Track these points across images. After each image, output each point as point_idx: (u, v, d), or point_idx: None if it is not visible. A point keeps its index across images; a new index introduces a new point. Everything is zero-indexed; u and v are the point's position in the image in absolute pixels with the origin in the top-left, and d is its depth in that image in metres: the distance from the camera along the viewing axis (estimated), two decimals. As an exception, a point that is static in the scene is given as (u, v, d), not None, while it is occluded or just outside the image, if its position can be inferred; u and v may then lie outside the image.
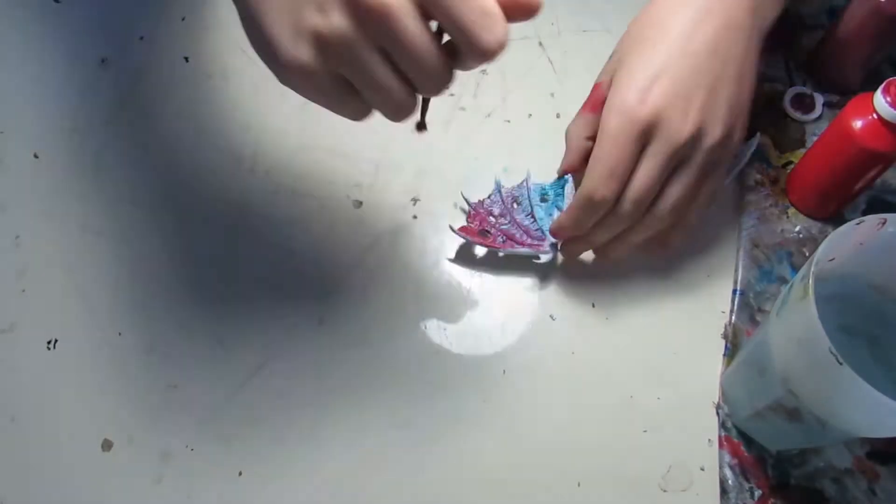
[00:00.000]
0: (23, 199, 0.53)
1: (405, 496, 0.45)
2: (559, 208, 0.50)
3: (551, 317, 0.50)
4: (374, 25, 0.30)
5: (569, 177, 0.50)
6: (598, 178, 0.42)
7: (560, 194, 0.50)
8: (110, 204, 0.53)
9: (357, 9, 0.29)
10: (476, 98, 0.57)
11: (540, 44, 0.60)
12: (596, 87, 0.47)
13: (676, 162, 0.42)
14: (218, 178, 0.51)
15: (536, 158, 0.54)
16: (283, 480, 0.45)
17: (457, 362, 0.48)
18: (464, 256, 0.52)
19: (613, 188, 0.42)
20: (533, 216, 0.50)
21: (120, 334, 0.49)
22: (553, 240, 0.49)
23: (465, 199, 0.51)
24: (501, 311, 0.50)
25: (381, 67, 0.31)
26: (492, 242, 0.49)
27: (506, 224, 0.50)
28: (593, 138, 0.44)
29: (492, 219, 0.50)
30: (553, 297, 0.50)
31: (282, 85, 0.34)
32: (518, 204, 0.51)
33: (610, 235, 0.45)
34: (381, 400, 0.47)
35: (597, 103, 0.45)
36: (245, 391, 0.48)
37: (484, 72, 0.58)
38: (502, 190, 0.51)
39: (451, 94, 0.57)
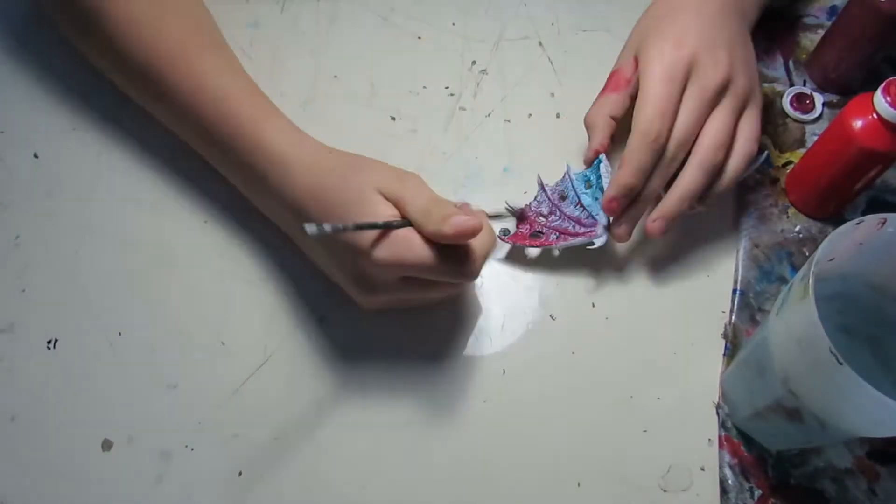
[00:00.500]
0: (23, 199, 0.53)
1: (405, 496, 0.45)
2: (602, 189, 0.50)
3: (551, 317, 0.50)
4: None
5: (602, 156, 0.50)
6: (651, 115, 0.45)
7: (599, 176, 0.50)
8: (110, 204, 0.53)
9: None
10: (476, 98, 0.57)
11: (540, 44, 0.60)
12: (617, 71, 0.50)
13: (712, 104, 0.46)
14: (218, 177, 0.51)
15: (537, 158, 0.54)
16: (283, 480, 0.45)
17: (457, 362, 0.48)
18: (515, 257, 0.52)
19: (666, 123, 0.45)
20: (581, 205, 0.50)
21: (120, 334, 0.49)
22: (605, 221, 0.49)
23: (510, 208, 0.51)
24: (501, 311, 0.50)
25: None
26: (545, 241, 0.50)
27: (556, 220, 0.50)
28: (616, 118, 0.50)
29: (541, 219, 0.51)
30: (553, 297, 0.50)
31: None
32: (564, 198, 0.51)
33: (662, 184, 0.47)
34: (381, 399, 0.47)
35: (619, 84, 0.50)
36: (245, 391, 0.48)
37: (484, 72, 0.58)
38: (547, 189, 0.51)
39: (451, 94, 0.57)
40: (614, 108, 0.50)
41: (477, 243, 0.42)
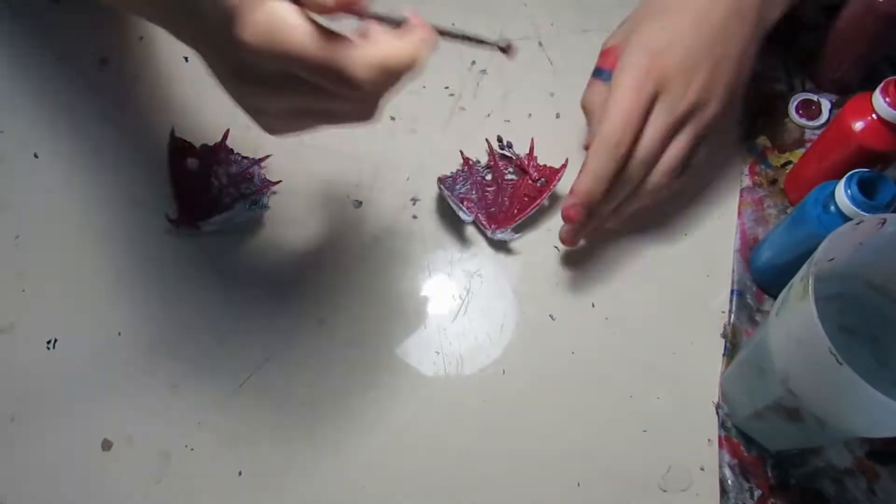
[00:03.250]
0: (23, 199, 0.53)
1: (405, 496, 0.45)
2: None
3: (551, 317, 0.50)
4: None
5: None
6: (615, 123, 0.44)
7: None
8: (110, 204, 0.53)
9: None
10: (476, 98, 0.57)
11: (540, 44, 0.60)
12: (609, 50, 0.48)
13: (677, 127, 0.45)
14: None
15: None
16: (283, 480, 0.45)
17: (457, 363, 0.48)
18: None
19: (629, 135, 0.44)
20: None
21: (120, 334, 0.49)
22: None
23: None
24: (501, 311, 0.50)
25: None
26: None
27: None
28: None
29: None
30: (553, 297, 0.50)
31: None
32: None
33: (617, 201, 0.47)
34: (380, 400, 0.47)
35: (608, 61, 0.48)
36: (245, 391, 0.48)
37: (484, 72, 0.58)
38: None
39: (451, 94, 0.57)
40: (607, 90, 0.48)
41: (383, 47, 0.31)
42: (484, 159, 0.54)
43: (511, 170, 0.53)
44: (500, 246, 0.52)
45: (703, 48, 0.45)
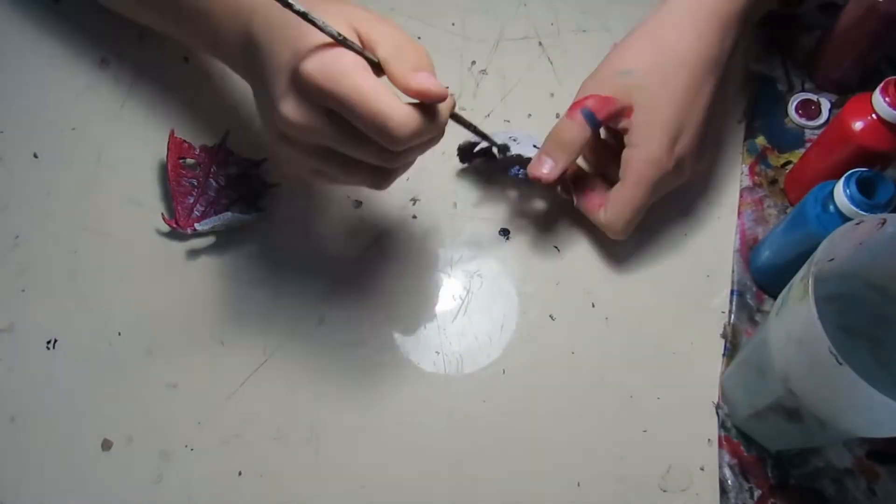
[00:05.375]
0: (23, 199, 0.53)
1: (405, 496, 0.45)
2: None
3: (551, 317, 0.50)
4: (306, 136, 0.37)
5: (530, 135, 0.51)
6: (626, 222, 0.47)
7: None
8: (110, 203, 0.53)
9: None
10: (476, 98, 0.57)
11: (540, 44, 0.60)
12: (609, 99, 0.46)
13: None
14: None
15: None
16: (283, 480, 0.45)
17: (456, 362, 0.48)
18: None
19: (633, 227, 0.48)
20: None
21: (120, 334, 0.49)
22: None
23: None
24: (501, 311, 0.50)
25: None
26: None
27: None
28: (580, 148, 0.47)
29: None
30: (553, 297, 0.50)
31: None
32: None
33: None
34: (380, 400, 0.47)
35: (607, 115, 0.46)
36: (245, 391, 0.48)
37: (484, 72, 0.58)
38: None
39: (452, 94, 0.57)
40: (591, 141, 0.48)
41: (420, 116, 0.35)
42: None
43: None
44: (501, 246, 0.52)
45: (699, 120, 0.47)
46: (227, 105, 0.55)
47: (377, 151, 0.37)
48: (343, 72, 0.34)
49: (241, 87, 0.56)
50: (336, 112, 0.35)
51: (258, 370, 0.48)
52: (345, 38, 0.35)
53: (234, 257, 0.51)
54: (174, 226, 0.50)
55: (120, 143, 0.55)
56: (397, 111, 0.34)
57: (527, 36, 0.60)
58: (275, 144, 0.39)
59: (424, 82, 0.35)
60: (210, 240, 0.52)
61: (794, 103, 0.55)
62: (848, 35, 0.52)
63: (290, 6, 0.33)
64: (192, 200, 0.51)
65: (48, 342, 0.49)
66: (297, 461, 0.46)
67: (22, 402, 0.48)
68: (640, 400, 0.47)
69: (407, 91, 0.35)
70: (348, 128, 0.36)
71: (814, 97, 0.55)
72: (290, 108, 0.36)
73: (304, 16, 0.34)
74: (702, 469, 0.45)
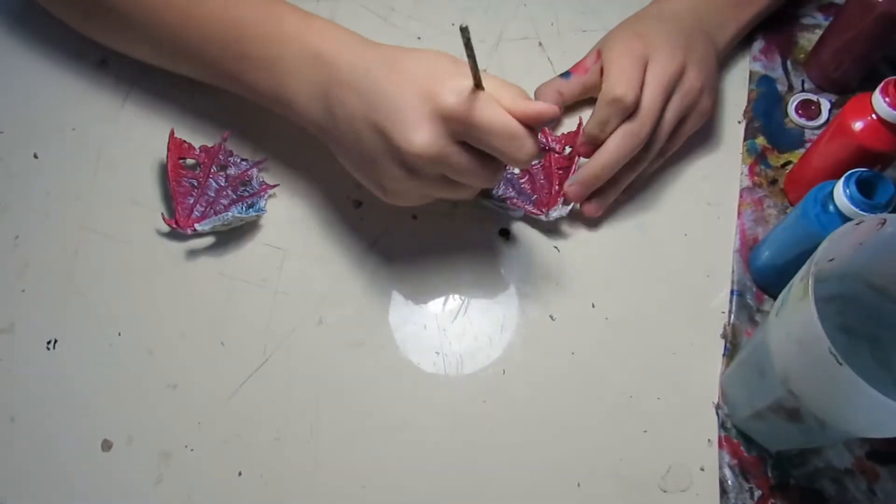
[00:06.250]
0: (23, 199, 0.53)
1: (405, 496, 0.45)
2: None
3: (551, 317, 0.50)
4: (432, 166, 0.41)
5: None
6: (615, 79, 0.47)
7: None
8: (110, 203, 0.53)
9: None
10: (476, 98, 0.57)
11: (540, 44, 0.60)
12: (580, 62, 0.54)
13: (670, 90, 0.49)
14: (218, 178, 0.51)
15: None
16: (283, 480, 0.45)
17: (457, 363, 0.48)
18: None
19: (631, 90, 0.47)
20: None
21: (120, 334, 0.49)
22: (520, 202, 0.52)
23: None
24: (501, 311, 0.50)
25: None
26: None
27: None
28: (563, 95, 0.54)
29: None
30: (553, 297, 0.50)
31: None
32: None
33: (620, 162, 0.49)
34: (380, 400, 0.47)
35: (577, 69, 0.54)
36: (245, 391, 0.48)
37: (484, 71, 0.58)
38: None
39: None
40: (564, 86, 0.53)
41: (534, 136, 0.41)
42: None
43: None
44: (501, 246, 0.52)
45: (673, 36, 0.50)
46: (227, 105, 0.55)
47: (491, 173, 0.42)
48: (482, 104, 0.39)
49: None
50: (463, 142, 0.40)
51: (258, 370, 0.48)
52: (485, 69, 0.39)
53: (234, 257, 0.51)
54: (174, 226, 0.50)
55: (120, 143, 0.55)
56: (528, 134, 0.39)
57: (527, 36, 0.60)
58: (389, 181, 0.43)
59: (540, 107, 0.39)
60: (210, 240, 0.52)
61: (794, 103, 0.55)
62: (848, 35, 0.52)
63: (472, 57, 0.37)
64: (192, 200, 0.51)
65: (48, 342, 0.49)
66: (297, 461, 0.46)
67: (22, 402, 0.48)
68: (640, 400, 0.47)
69: (525, 115, 0.39)
70: (475, 154, 0.40)
71: (814, 97, 0.55)
72: (425, 141, 0.39)
73: (471, 56, 0.37)
74: (702, 469, 0.45)
